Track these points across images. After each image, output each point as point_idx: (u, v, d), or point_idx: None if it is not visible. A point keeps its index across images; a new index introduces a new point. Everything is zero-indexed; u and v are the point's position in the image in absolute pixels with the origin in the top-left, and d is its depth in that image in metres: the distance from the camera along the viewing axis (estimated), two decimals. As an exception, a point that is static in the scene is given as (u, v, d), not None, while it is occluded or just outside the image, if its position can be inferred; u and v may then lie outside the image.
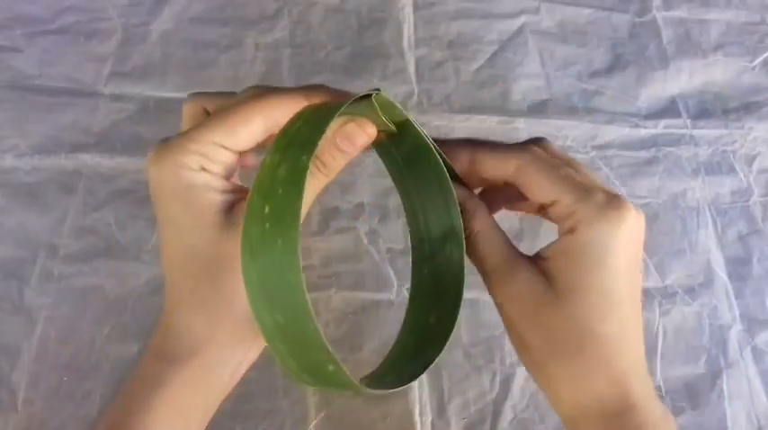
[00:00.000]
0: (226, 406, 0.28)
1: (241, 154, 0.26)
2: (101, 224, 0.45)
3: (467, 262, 0.28)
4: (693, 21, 0.59)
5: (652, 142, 0.53)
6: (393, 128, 0.27)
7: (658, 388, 0.43)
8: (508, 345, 0.43)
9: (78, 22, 0.52)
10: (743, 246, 0.49)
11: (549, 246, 0.27)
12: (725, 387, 0.44)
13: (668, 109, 0.55)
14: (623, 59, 0.57)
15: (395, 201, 0.47)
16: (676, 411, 0.43)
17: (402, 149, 0.29)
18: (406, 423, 0.41)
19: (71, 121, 0.48)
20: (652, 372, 0.44)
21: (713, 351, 0.45)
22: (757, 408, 0.44)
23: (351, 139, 0.26)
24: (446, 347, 0.26)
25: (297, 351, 0.23)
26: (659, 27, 0.58)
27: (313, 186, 0.27)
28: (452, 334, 0.27)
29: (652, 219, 0.49)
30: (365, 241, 0.46)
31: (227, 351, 0.26)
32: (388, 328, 0.43)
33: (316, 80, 0.52)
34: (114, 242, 0.44)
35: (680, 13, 0.59)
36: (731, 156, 0.53)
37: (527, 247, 0.48)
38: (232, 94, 0.28)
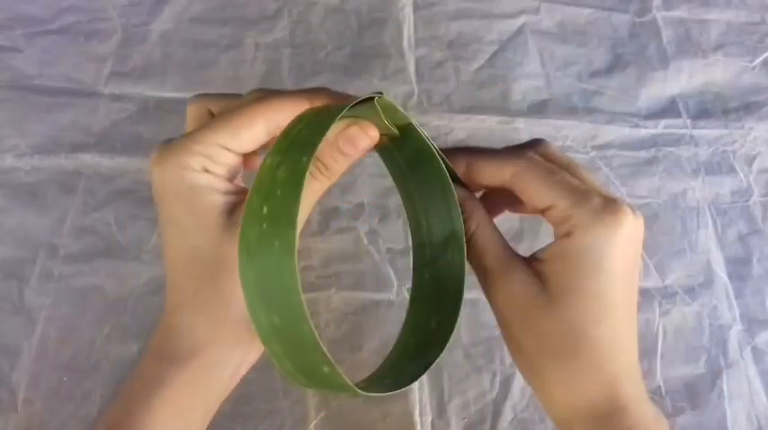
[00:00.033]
0: (226, 407, 0.28)
1: (244, 156, 0.26)
2: (101, 224, 0.45)
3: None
4: (693, 21, 0.59)
5: (652, 142, 0.53)
6: (396, 131, 0.27)
7: (658, 388, 0.43)
8: (508, 345, 0.43)
9: (78, 22, 0.52)
10: (743, 246, 0.49)
11: (545, 249, 0.27)
12: (725, 387, 0.44)
13: (668, 109, 0.55)
14: (623, 59, 0.57)
15: (395, 201, 0.47)
16: (676, 411, 0.43)
17: (405, 153, 0.29)
18: (406, 423, 0.41)
19: (71, 121, 0.48)
20: (652, 372, 0.44)
21: (713, 351, 0.45)
22: (757, 408, 0.44)
23: (353, 142, 0.26)
24: (446, 349, 0.26)
25: (292, 352, 0.23)
26: (659, 27, 0.58)
27: (315, 189, 0.27)
28: (452, 336, 0.27)
29: (652, 219, 0.49)
30: (365, 241, 0.46)
31: (227, 352, 0.26)
32: (388, 328, 0.43)
33: (316, 80, 0.52)
34: (114, 242, 0.44)
35: (680, 13, 0.59)
36: (731, 156, 0.53)
37: (527, 247, 0.48)
38: (236, 95, 0.28)
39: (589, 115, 0.53)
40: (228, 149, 0.25)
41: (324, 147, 0.26)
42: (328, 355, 0.22)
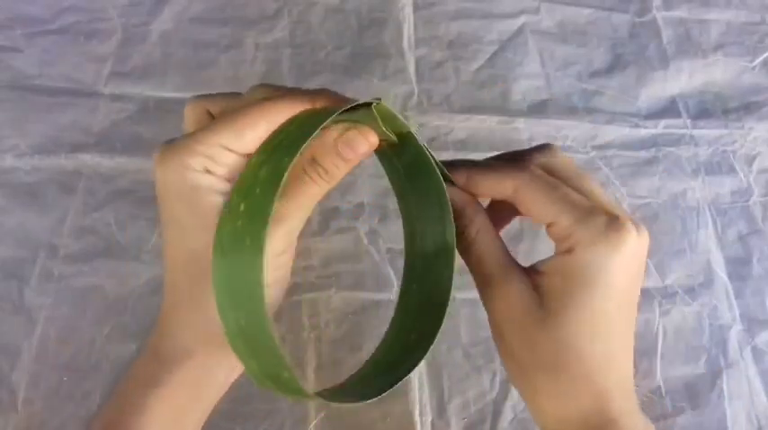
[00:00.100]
0: (225, 407, 0.28)
1: (246, 157, 0.26)
2: (101, 224, 0.45)
3: (464, 264, 0.28)
4: (693, 21, 0.59)
5: (652, 142, 0.53)
6: (394, 138, 0.27)
7: (658, 388, 0.43)
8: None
9: (78, 22, 0.52)
10: (743, 246, 0.49)
11: (545, 261, 0.27)
12: (725, 387, 0.44)
13: (668, 109, 0.55)
14: (623, 59, 0.57)
15: (395, 201, 0.47)
16: (676, 411, 0.43)
17: (404, 160, 0.28)
18: (406, 423, 0.41)
19: (71, 121, 0.48)
20: (652, 372, 0.44)
21: (713, 351, 0.45)
22: (757, 408, 0.44)
23: (352, 146, 0.26)
24: (417, 366, 0.26)
25: (256, 354, 0.23)
26: (659, 27, 0.58)
27: (314, 192, 0.26)
28: (428, 353, 0.26)
29: (652, 219, 0.49)
30: (365, 241, 0.46)
31: (221, 352, 0.26)
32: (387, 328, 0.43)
33: (316, 80, 0.52)
34: (114, 242, 0.44)
35: (680, 13, 0.59)
36: (731, 156, 0.53)
37: (527, 247, 0.48)
38: (236, 94, 0.27)
39: (589, 115, 0.53)
40: (230, 150, 0.25)
41: (323, 152, 0.26)
42: (286, 359, 0.21)
